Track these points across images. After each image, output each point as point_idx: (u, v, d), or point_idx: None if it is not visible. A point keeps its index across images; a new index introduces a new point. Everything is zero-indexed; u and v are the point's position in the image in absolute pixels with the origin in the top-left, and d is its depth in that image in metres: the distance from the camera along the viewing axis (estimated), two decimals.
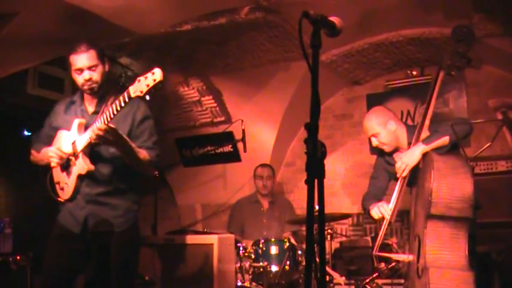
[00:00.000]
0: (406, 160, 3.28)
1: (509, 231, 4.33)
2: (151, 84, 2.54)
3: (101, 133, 2.72)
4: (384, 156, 3.70)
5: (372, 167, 3.81)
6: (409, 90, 5.10)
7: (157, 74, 2.54)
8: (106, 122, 2.74)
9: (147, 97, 2.58)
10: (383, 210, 3.43)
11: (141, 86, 2.56)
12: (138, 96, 2.59)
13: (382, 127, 3.53)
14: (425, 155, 3.21)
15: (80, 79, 2.94)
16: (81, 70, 2.92)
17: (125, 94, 2.63)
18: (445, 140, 3.23)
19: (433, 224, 2.95)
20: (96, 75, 2.94)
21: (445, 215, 2.93)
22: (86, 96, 3.07)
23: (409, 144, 3.41)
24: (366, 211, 3.64)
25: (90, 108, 3.05)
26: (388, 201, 3.44)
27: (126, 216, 3.03)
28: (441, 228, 2.95)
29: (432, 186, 2.92)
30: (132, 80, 2.70)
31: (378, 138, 3.56)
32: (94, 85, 2.95)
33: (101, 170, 2.97)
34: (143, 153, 2.96)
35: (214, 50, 4.77)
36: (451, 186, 2.94)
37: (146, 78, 2.55)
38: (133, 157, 2.91)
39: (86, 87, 2.95)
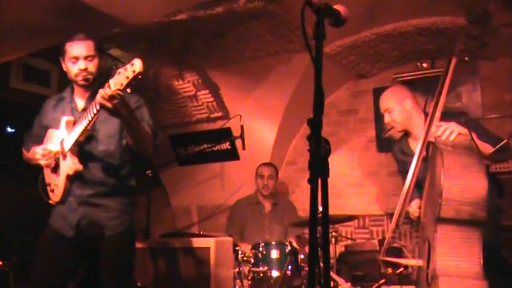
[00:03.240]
0: (451, 127, 3.05)
1: None
2: (131, 76, 2.47)
3: (106, 98, 2.57)
4: (400, 145, 3.61)
5: (380, 166, 3.68)
6: (419, 83, 4.96)
7: (136, 65, 2.47)
8: (90, 119, 2.73)
9: (128, 90, 2.50)
10: (411, 208, 3.35)
11: (120, 78, 2.50)
12: (119, 90, 2.51)
13: (397, 104, 3.51)
14: (435, 150, 3.03)
15: (74, 68, 2.93)
16: (76, 59, 2.91)
17: (106, 88, 2.56)
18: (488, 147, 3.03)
19: (443, 228, 2.85)
20: (91, 66, 2.94)
21: (456, 218, 2.81)
22: (76, 91, 3.05)
23: None
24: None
25: (81, 104, 3.02)
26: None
27: (121, 218, 3.01)
28: (452, 232, 2.84)
29: (442, 186, 2.81)
30: None
31: (391, 115, 3.53)
32: (89, 76, 2.94)
33: (92, 171, 2.95)
34: (146, 127, 2.92)
35: (210, 41, 4.71)
36: (462, 187, 2.81)
37: (126, 70, 2.49)
38: (138, 129, 2.83)
39: (80, 77, 2.93)
